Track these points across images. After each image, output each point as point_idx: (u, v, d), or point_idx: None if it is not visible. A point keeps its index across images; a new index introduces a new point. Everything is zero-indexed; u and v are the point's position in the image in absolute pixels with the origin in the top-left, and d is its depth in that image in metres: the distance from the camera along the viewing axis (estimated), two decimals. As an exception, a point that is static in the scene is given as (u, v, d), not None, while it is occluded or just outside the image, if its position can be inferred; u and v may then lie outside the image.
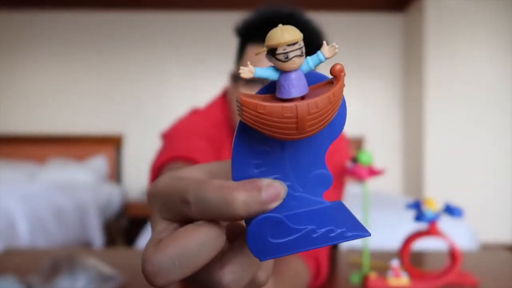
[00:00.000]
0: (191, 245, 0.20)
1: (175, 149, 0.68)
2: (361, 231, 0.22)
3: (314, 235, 0.21)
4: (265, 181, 0.21)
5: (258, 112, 0.19)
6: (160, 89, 3.93)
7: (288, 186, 0.22)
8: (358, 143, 3.85)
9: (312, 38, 0.75)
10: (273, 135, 0.20)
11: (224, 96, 0.86)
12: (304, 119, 0.19)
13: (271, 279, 0.43)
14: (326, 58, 0.21)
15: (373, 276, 0.73)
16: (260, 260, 0.21)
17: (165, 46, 3.93)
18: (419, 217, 0.70)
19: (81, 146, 3.81)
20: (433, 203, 0.71)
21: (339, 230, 0.21)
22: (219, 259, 0.22)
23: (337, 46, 0.20)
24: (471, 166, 3.38)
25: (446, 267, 0.74)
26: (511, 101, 3.36)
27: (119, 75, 3.92)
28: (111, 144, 3.85)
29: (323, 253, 0.70)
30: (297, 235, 0.21)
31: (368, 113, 3.94)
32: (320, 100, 0.19)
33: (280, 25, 0.20)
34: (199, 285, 0.23)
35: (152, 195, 0.24)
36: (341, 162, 0.81)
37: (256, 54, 0.20)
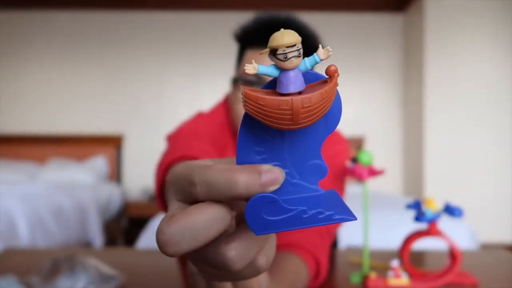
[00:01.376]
0: (199, 220, 0.23)
1: (180, 150, 0.69)
2: (349, 216, 0.24)
3: (305, 216, 0.24)
4: (266, 167, 0.24)
5: (259, 104, 0.22)
6: (160, 89, 3.93)
7: (286, 173, 0.25)
8: (358, 143, 3.85)
9: (308, 41, 0.78)
10: (271, 125, 0.22)
11: (227, 100, 0.89)
12: (298, 111, 0.22)
13: (270, 279, 0.44)
14: (321, 60, 0.23)
15: (373, 276, 0.73)
16: (256, 234, 0.24)
17: (165, 46, 3.93)
18: (419, 217, 0.70)
19: (81, 146, 3.81)
20: (433, 203, 0.71)
21: (327, 213, 0.24)
22: (226, 238, 0.25)
23: (331, 49, 0.23)
24: (471, 166, 3.38)
25: (446, 267, 0.74)
26: (511, 101, 3.37)
27: (119, 75, 3.92)
28: (111, 144, 3.85)
29: (323, 253, 0.70)
30: (289, 214, 0.24)
31: (368, 113, 3.94)
32: (314, 95, 0.22)
33: (281, 29, 0.22)
34: (205, 262, 0.26)
35: (168, 181, 0.27)
36: (341, 164, 0.81)
37: (260, 54, 0.23)
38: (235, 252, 0.24)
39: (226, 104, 0.89)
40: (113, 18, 3.91)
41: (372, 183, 3.63)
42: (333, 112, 0.25)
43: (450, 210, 0.69)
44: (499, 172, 3.36)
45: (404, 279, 0.72)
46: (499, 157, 3.36)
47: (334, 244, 1.12)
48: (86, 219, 2.84)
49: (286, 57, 0.22)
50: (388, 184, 3.84)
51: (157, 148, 3.44)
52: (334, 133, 0.89)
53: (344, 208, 0.25)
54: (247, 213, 0.23)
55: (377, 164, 3.42)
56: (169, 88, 3.94)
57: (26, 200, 2.33)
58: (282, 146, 0.25)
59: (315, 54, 0.23)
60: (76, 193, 2.84)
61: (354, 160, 0.76)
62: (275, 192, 0.24)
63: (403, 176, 3.91)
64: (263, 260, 0.27)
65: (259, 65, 0.22)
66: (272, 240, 0.28)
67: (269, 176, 0.23)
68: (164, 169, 0.66)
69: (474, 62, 3.38)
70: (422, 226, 0.76)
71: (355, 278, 0.77)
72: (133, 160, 3.88)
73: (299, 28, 0.77)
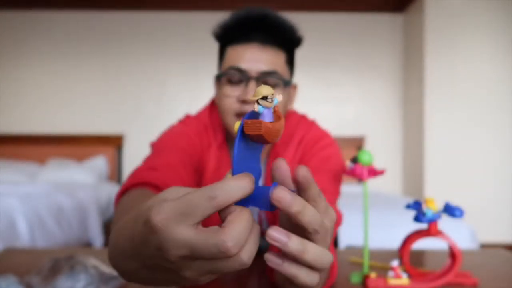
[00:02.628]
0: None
1: (141, 174, 0.71)
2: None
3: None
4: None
5: (268, 127, 0.34)
6: (160, 89, 3.93)
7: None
8: (358, 143, 3.85)
9: (287, 33, 0.80)
10: (264, 140, 0.34)
11: (213, 104, 0.94)
12: (276, 133, 0.35)
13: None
14: (278, 101, 0.35)
15: (373, 276, 0.73)
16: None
17: (165, 46, 3.93)
18: (419, 217, 0.70)
19: (81, 146, 3.81)
20: (433, 203, 0.71)
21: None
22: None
23: (281, 97, 0.35)
24: (471, 166, 3.38)
25: (446, 267, 0.74)
26: (511, 101, 3.37)
27: (119, 75, 3.92)
28: (111, 144, 3.85)
29: (333, 254, 0.69)
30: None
31: (368, 113, 3.94)
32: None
33: (264, 85, 0.34)
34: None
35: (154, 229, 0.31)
36: (335, 167, 0.81)
37: (254, 100, 0.35)
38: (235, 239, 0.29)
39: (213, 106, 0.93)
40: (113, 18, 3.91)
41: (372, 183, 3.63)
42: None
43: (450, 210, 0.69)
44: (499, 172, 3.36)
45: (404, 279, 0.72)
46: (499, 157, 3.36)
47: (334, 244, 1.12)
48: (86, 219, 2.84)
49: (271, 100, 0.34)
50: (388, 184, 3.84)
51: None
52: (323, 136, 0.88)
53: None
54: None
55: (377, 164, 3.42)
56: (169, 88, 3.94)
57: (26, 200, 2.33)
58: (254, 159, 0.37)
59: (275, 99, 0.35)
60: (76, 193, 2.84)
61: (354, 160, 0.75)
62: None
63: (403, 176, 3.91)
64: (246, 255, 0.30)
65: (259, 106, 0.34)
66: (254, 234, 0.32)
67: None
68: (121, 193, 0.70)
69: (474, 62, 3.38)
70: (422, 226, 0.76)
71: (355, 278, 0.77)
72: (133, 160, 3.88)
73: (275, 20, 0.78)
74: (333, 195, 0.80)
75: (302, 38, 0.84)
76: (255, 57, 0.76)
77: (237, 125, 0.34)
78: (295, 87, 0.89)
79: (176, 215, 0.29)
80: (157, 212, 0.30)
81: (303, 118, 0.93)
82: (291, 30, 0.80)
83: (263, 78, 0.77)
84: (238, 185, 0.30)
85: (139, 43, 3.92)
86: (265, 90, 0.35)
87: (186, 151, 0.80)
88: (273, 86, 0.78)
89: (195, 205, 0.29)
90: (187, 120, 0.90)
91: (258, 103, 0.35)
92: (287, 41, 0.80)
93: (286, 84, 0.80)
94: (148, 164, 0.74)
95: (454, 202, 0.79)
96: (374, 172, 0.74)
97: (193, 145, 0.83)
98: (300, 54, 0.96)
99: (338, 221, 0.82)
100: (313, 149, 0.85)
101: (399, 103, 3.95)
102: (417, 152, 3.55)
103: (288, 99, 0.83)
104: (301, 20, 0.91)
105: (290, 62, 0.83)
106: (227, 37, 0.80)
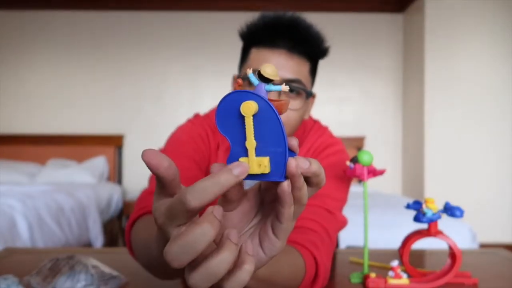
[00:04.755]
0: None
1: (145, 202, 0.71)
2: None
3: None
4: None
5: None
6: (160, 89, 3.93)
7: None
8: (358, 143, 3.85)
9: (315, 43, 0.77)
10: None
11: None
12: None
13: (266, 267, 0.44)
14: (281, 90, 0.33)
15: (373, 276, 0.73)
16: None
17: (165, 47, 3.93)
18: (419, 217, 0.70)
19: (81, 146, 3.81)
20: (433, 203, 0.71)
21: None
22: None
23: (287, 88, 0.33)
24: (471, 166, 3.38)
25: (446, 267, 0.74)
26: (511, 101, 3.36)
27: (119, 75, 3.92)
28: (111, 144, 3.85)
29: (321, 255, 0.66)
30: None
31: (368, 113, 3.94)
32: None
33: (270, 65, 0.32)
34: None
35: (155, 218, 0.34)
36: (342, 175, 0.80)
37: (258, 74, 0.33)
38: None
39: None
40: (113, 18, 3.91)
41: (372, 183, 3.63)
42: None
43: (450, 210, 0.69)
44: (499, 172, 3.36)
45: (404, 279, 0.72)
46: (499, 157, 3.36)
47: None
48: (86, 219, 2.84)
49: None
50: (388, 184, 3.84)
51: (157, 148, 3.44)
52: (334, 143, 0.88)
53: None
54: None
55: (377, 164, 3.41)
56: (169, 88, 3.94)
57: (26, 200, 2.33)
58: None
59: (280, 86, 0.33)
60: (76, 193, 2.84)
61: (354, 160, 0.75)
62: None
63: (403, 176, 3.91)
64: (190, 198, 0.30)
65: (260, 82, 0.33)
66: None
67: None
68: (131, 223, 0.69)
69: (474, 62, 3.38)
70: (422, 226, 0.76)
71: (355, 278, 0.77)
72: (133, 160, 3.88)
73: (305, 29, 0.77)
74: (339, 202, 0.79)
75: (329, 49, 0.82)
76: (281, 64, 0.74)
77: (249, 106, 0.31)
78: (314, 96, 0.86)
79: (166, 219, 0.32)
80: (156, 216, 0.34)
81: (316, 124, 0.92)
82: (320, 40, 0.79)
83: (287, 85, 0.75)
84: (207, 185, 0.29)
85: (139, 43, 3.92)
86: (269, 69, 0.31)
87: (194, 159, 0.79)
88: (296, 94, 0.76)
89: (174, 211, 0.31)
90: (195, 120, 0.89)
91: (260, 78, 0.32)
92: (314, 51, 0.79)
93: (309, 95, 0.78)
94: (154, 185, 0.73)
95: (454, 202, 0.79)
96: (374, 172, 0.74)
97: (200, 150, 0.82)
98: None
99: (341, 225, 0.81)
100: (322, 154, 0.84)
101: (399, 103, 3.95)
102: (417, 152, 3.55)
103: (306, 109, 0.82)
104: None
105: (313, 72, 0.82)
106: (254, 38, 0.78)
